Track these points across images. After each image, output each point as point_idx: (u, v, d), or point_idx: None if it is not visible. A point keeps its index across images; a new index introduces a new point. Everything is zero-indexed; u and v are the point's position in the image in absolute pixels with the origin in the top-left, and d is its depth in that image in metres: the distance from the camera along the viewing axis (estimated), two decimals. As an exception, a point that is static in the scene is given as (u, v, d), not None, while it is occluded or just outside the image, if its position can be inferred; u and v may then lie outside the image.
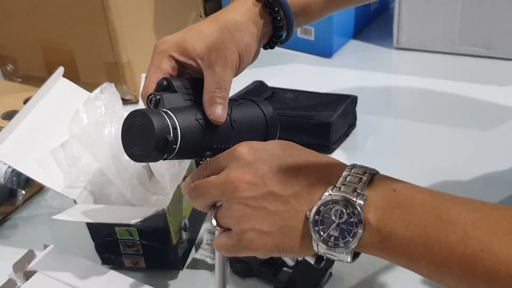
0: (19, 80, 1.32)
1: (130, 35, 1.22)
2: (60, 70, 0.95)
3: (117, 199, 0.88)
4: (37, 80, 1.26)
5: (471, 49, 1.28)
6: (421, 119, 1.14)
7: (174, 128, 0.61)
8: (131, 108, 1.21)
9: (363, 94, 1.20)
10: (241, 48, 0.70)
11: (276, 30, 0.75)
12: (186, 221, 0.84)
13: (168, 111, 0.63)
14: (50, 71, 0.95)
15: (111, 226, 0.80)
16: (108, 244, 0.82)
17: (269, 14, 0.73)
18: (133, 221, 0.74)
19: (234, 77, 0.69)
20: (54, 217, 0.76)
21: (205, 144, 0.66)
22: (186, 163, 0.86)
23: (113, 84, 0.90)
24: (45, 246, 0.84)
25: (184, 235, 0.84)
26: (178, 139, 0.62)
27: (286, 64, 1.31)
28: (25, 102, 1.11)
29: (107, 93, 0.87)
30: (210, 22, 0.72)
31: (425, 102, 1.21)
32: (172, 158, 0.64)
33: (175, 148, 0.62)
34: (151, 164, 0.89)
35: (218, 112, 0.65)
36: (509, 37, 1.24)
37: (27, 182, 0.99)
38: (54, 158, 0.86)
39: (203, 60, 0.68)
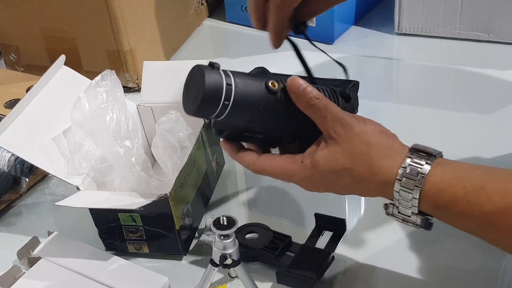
0: (22, 69, 1.33)
1: (132, 22, 1.22)
2: (62, 58, 0.95)
3: (120, 185, 0.88)
4: (39, 69, 1.26)
5: (473, 34, 1.28)
6: (423, 103, 1.14)
7: (229, 86, 0.61)
8: (133, 96, 1.22)
9: (365, 80, 1.19)
10: None
11: None
12: (189, 206, 0.85)
13: (229, 72, 0.63)
14: (53, 60, 0.95)
15: (114, 212, 0.81)
16: (112, 230, 0.83)
17: None
18: (136, 207, 0.75)
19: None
20: (58, 203, 0.76)
21: (260, 119, 0.65)
22: (188, 150, 0.86)
23: (114, 71, 0.90)
24: (49, 233, 0.85)
25: (187, 221, 0.84)
26: (230, 99, 0.61)
27: (288, 50, 1.30)
28: (28, 91, 1.11)
29: (108, 80, 0.88)
30: None
31: (427, 87, 1.21)
32: (222, 121, 0.64)
33: (222, 114, 0.62)
34: (154, 150, 0.90)
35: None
36: (510, 22, 1.24)
37: (30, 170, 0.99)
38: (57, 145, 0.86)
39: None
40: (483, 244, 0.73)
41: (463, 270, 0.79)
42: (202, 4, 1.50)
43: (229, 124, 0.65)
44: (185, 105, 0.64)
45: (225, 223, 0.69)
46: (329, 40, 1.35)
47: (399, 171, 0.61)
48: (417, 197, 0.60)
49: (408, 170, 0.61)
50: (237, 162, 0.70)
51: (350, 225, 0.87)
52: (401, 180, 0.61)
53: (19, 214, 0.96)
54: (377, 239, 0.85)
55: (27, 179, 0.99)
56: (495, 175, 0.59)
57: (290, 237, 0.83)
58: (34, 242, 0.83)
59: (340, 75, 1.19)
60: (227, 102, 0.62)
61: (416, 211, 0.61)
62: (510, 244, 0.58)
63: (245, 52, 1.34)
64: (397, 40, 1.35)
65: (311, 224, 0.85)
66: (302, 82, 0.64)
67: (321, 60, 1.30)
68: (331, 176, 0.64)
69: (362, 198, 0.92)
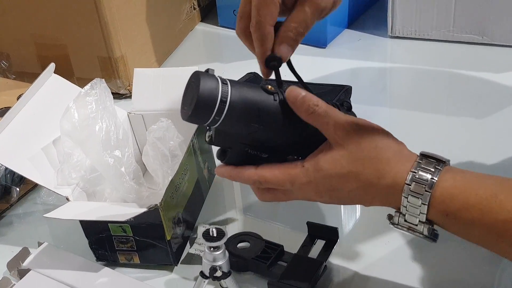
0: (13, 76, 1.32)
1: (123, 29, 1.21)
2: (51, 66, 0.94)
3: (110, 195, 0.87)
4: (31, 76, 1.25)
5: (466, 36, 1.27)
6: (417, 108, 1.14)
7: (225, 85, 0.61)
8: (124, 102, 1.22)
9: (359, 84, 1.19)
10: None
11: None
12: (180, 216, 0.84)
13: (226, 79, 0.62)
14: (44, 67, 0.94)
15: (104, 222, 0.80)
16: (102, 240, 0.82)
17: None
18: (125, 218, 0.74)
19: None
20: (46, 215, 0.76)
21: (260, 123, 0.64)
22: (179, 158, 0.86)
23: (103, 80, 0.89)
24: (39, 244, 0.84)
25: (178, 230, 0.84)
26: (225, 107, 0.61)
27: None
28: (19, 98, 1.10)
29: (98, 89, 0.87)
30: None
31: (421, 90, 1.20)
32: (218, 128, 0.63)
33: (219, 118, 0.61)
34: (144, 159, 0.89)
35: (284, 50, 0.66)
36: (503, 24, 1.23)
37: (21, 179, 0.98)
38: (46, 155, 0.85)
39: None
40: (477, 254, 0.73)
41: (457, 280, 0.78)
42: (194, 8, 1.50)
43: (230, 133, 0.64)
44: (183, 112, 0.63)
45: (215, 235, 0.68)
46: (322, 44, 1.35)
47: (408, 175, 0.59)
48: (427, 203, 0.58)
49: (417, 175, 0.59)
50: (238, 181, 0.68)
51: (343, 234, 0.86)
52: (410, 185, 0.59)
53: (10, 224, 0.95)
54: (371, 249, 0.84)
55: (18, 189, 0.98)
56: (507, 184, 0.58)
57: (282, 246, 0.82)
58: (24, 253, 0.83)
59: (333, 80, 1.19)
60: (224, 101, 0.61)
61: (424, 219, 0.60)
62: None
63: (238, 56, 1.33)
64: (390, 43, 1.34)
65: (303, 232, 0.84)
66: (301, 91, 0.63)
67: (314, 66, 1.30)
68: (336, 181, 0.62)
69: (356, 206, 0.91)
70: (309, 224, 0.84)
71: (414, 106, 1.14)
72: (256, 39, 0.66)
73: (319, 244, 0.83)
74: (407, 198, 0.60)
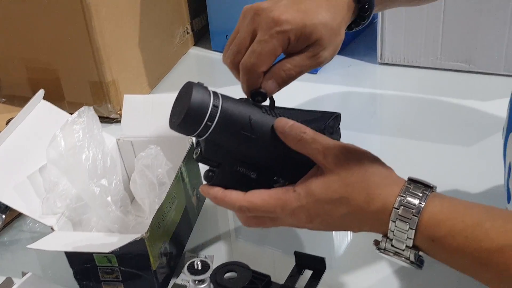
0: (3, 99, 1.32)
1: (114, 53, 1.22)
2: (41, 92, 0.94)
3: (97, 224, 0.87)
4: (21, 99, 1.25)
5: (453, 64, 1.28)
6: (405, 135, 1.14)
7: (215, 101, 0.61)
8: (115, 127, 1.22)
9: (348, 110, 1.20)
10: (337, 48, 0.70)
11: (359, 19, 0.75)
12: (167, 245, 0.84)
13: (218, 93, 0.63)
14: (35, 91, 0.94)
15: (89, 252, 0.80)
16: (87, 271, 0.82)
17: (357, 2, 0.72)
18: (110, 249, 0.73)
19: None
20: (29, 246, 0.75)
21: (243, 147, 0.64)
22: (167, 187, 0.85)
23: (91, 108, 0.89)
24: (23, 274, 0.83)
25: (165, 260, 0.83)
26: (217, 112, 0.61)
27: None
28: (8, 122, 1.10)
29: (85, 117, 0.87)
30: (321, 10, 0.69)
31: (409, 117, 1.20)
32: (209, 138, 0.63)
33: (208, 128, 0.62)
34: (132, 187, 0.89)
35: (271, 86, 0.67)
36: (490, 52, 1.24)
37: (7, 206, 0.97)
38: (32, 183, 0.85)
39: (309, 48, 0.67)
40: (465, 283, 0.72)
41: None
42: (187, 33, 1.50)
43: (220, 146, 0.64)
44: (172, 121, 0.64)
45: (200, 267, 0.68)
46: (313, 70, 1.35)
47: (397, 199, 0.59)
48: (414, 227, 0.58)
49: (406, 199, 0.59)
50: (222, 205, 0.66)
51: (330, 263, 0.86)
52: (398, 209, 0.59)
53: (-5, 253, 0.95)
54: (358, 278, 0.84)
55: (4, 216, 0.97)
56: (493, 213, 0.58)
57: (269, 276, 0.81)
58: (8, 284, 0.82)
59: (323, 106, 1.19)
60: (216, 106, 0.61)
61: (411, 244, 0.60)
62: (505, 285, 0.57)
63: (230, 81, 1.32)
64: (379, 70, 1.35)
65: (291, 262, 0.84)
66: (288, 121, 0.64)
67: (305, 91, 1.31)
68: (327, 206, 0.62)
69: (344, 235, 0.91)
70: (297, 254, 0.84)
71: (402, 132, 1.15)
72: (245, 79, 0.67)
73: (307, 273, 0.83)
74: (394, 222, 0.59)
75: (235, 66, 0.69)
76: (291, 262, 0.84)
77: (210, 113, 0.61)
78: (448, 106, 1.21)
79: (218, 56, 1.48)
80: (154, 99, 1.05)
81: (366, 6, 0.73)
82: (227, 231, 0.97)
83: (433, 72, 1.30)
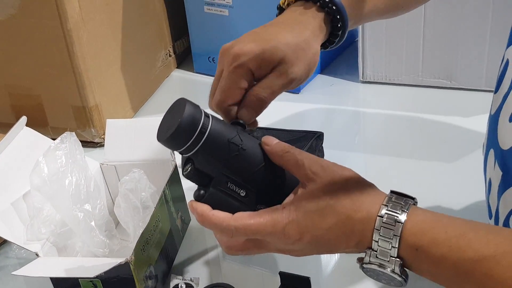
0: (-14, 126, 1.32)
1: (97, 78, 1.22)
2: (23, 119, 0.94)
3: (81, 249, 0.87)
4: (4, 126, 1.25)
5: (435, 81, 1.30)
6: (388, 152, 1.15)
7: (204, 126, 0.63)
8: (99, 151, 1.22)
9: (331, 129, 1.21)
10: (311, 66, 0.73)
11: (333, 37, 0.77)
12: (152, 269, 0.84)
13: (209, 114, 0.65)
14: (18, 117, 0.94)
15: (75, 278, 0.80)
16: (73, 296, 0.82)
17: (330, 21, 0.75)
18: (94, 274, 0.73)
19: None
20: (14, 272, 0.75)
21: (227, 166, 0.65)
22: (151, 210, 0.86)
23: (74, 133, 0.90)
24: (9, 301, 0.83)
25: (150, 283, 0.83)
26: (203, 137, 0.63)
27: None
28: (-9, 150, 1.10)
29: (68, 143, 0.87)
30: (283, 31, 0.72)
31: (391, 135, 1.21)
32: (190, 157, 0.65)
33: (196, 146, 0.63)
34: (116, 211, 0.89)
35: (245, 114, 0.70)
36: (471, 68, 1.26)
37: (-8, 233, 0.97)
38: (16, 209, 0.85)
39: (276, 68, 0.70)
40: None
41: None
42: (170, 55, 1.51)
43: (211, 159, 0.65)
44: (160, 133, 0.65)
45: (184, 290, 0.68)
46: (296, 89, 1.36)
47: (380, 208, 0.60)
48: (399, 234, 0.59)
49: (389, 207, 0.60)
50: (208, 223, 0.65)
51: (316, 283, 0.86)
52: (382, 217, 0.60)
53: (-19, 280, 0.95)
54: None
55: (-11, 243, 0.97)
56: (475, 224, 0.59)
57: (254, 297, 0.82)
58: (-6, 311, 0.82)
59: (306, 126, 1.20)
60: (207, 115, 0.64)
61: (395, 254, 0.60)
62: None
63: (213, 102, 1.35)
64: (362, 88, 1.36)
65: (277, 282, 0.84)
66: (274, 139, 0.66)
67: (288, 111, 1.32)
68: (316, 217, 0.62)
69: (329, 255, 0.92)
70: (282, 274, 0.84)
71: (385, 151, 1.16)
72: (221, 115, 0.70)
73: (292, 294, 0.83)
74: (379, 230, 0.60)
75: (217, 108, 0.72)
76: (277, 282, 0.84)
77: (201, 126, 0.63)
78: (429, 123, 1.22)
79: (201, 78, 1.49)
80: (136, 123, 1.05)
81: (339, 25, 0.76)
82: (212, 252, 0.97)
83: (415, 89, 1.32)
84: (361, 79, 1.35)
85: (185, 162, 0.66)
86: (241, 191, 0.66)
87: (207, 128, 0.63)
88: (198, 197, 0.66)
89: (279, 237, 0.63)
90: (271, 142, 0.66)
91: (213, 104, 0.71)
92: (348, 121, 1.30)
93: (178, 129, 0.62)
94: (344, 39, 0.79)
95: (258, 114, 0.71)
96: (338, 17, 0.75)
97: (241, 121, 0.69)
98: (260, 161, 0.66)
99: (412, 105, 1.29)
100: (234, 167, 0.65)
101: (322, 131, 1.13)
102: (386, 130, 1.24)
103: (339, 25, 0.76)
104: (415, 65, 1.29)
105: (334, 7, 0.74)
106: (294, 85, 0.73)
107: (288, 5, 0.77)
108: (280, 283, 0.84)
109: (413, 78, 1.31)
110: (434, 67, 1.29)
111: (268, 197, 0.67)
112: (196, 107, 0.64)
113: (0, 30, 1.18)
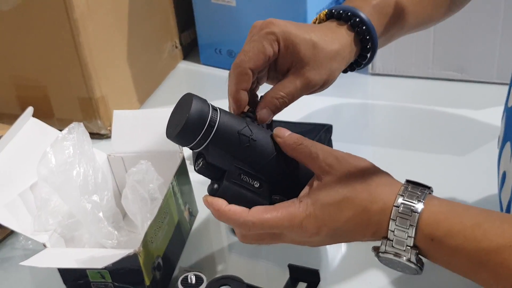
0: (-8, 117, 1.31)
1: (103, 69, 1.21)
2: (30, 110, 0.93)
3: (89, 240, 0.86)
4: (10, 117, 1.24)
5: (445, 73, 1.28)
6: (397, 145, 1.14)
7: (212, 120, 0.62)
8: (105, 143, 1.21)
9: (340, 122, 1.19)
10: (329, 78, 0.74)
11: (361, 58, 0.78)
12: (160, 260, 0.83)
13: (217, 107, 0.64)
14: (24, 108, 0.93)
15: (82, 269, 0.79)
16: (80, 287, 0.81)
17: (360, 41, 0.76)
18: (102, 265, 0.73)
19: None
20: (22, 263, 0.74)
21: (239, 158, 0.65)
22: (159, 202, 0.85)
23: (81, 124, 0.88)
24: (16, 292, 0.82)
25: (158, 275, 0.82)
26: (212, 131, 0.63)
27: (262, 94, 1.31)
28: (-3, 140, 1.09)
29: (75, 133, 0.86)
30: (317, 32, 0.73)
31: (401, 128, 1.20)
32: (201, 152, 0.64)
33: (206, 141, 0.63)
34: (124, 202, 0.88)
35: (265, 114, 0.70)
36: (482, 60, 1.25)
37: (-1, 224, 0.97)
38: (23, 201, 0.84)
39: (297, 64, 0.70)
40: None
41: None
42: (176, 47, 1.50)
43: (223, 152, 0.64)
44: (169, 130, 0.65)
45: (193, 282, 0.67)
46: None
47: (396, 198, 0.60)
48: (415, 224, 0.59)
49: (405, 197, 0.60)
50: (225, 218, 0.65)
51: (325, 275, 0.85)
52: (398, 207, 0.60)
53: (-13, 271, 0.94)
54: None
55: (-4, 234, 0.96)
56: (490, 214, 0.59)
57: (263, 289, 0.81)
58: (0, 302, 0.81)
59: (315, 118, 1.19)
60: (215, 108, 0.63)
61: (412, 244, 0.60)
62: (501, 285, 0.57)
63: (220, 94, 1.31)
64: (371, 81, 1.34)
65: (285, 274, 0.83)
66: (287, 130, 0.66)
67: (296, 103, 1.30)
68: (333, 210, 0.62)
69: (338, 246, 0.91)
70: (290, 267, 0.83)
71: (394, 143, 1.15)
72: (234, 80, 0.69)
73: (301, 286, 0.82)
74: (395, 221, 0.60)
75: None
76: (285, 275, 0.83)
77: (210, 120, 0.62)
78: (440, 116, 1.21)
79: (207, 70, 1.48)
80: (144, 114, 1.05)
81: (368, 46, 0.76)
82: (220, 245, 0.97)
83: (425, 82, 1.30)
84: (371, 71, 1.34)
85: (196, 157, 0.66)
86: (255, 182, 0.65)
87: (216, 121, 0.63)
88: (212, 191, 0.66)
89: (296, 231, 0.63)
90: (283, 134, 0.66)
91: (232, 66, 0.69)
92: (357, 114, 1.28)
93: (186, 125, 0.62)
94: (371, 62, 0.80)
95: (273, 116, 0.71)
96: (368, 37, 0.75)
97: (250, 114, 0.69)
98: (271, 152, 0.66)
99: (422, 97, 1.27)
100: (246, 158, 0.65)
101: (331, 124, 1.12)
102: (395, 123, 1.23)
103: (368, 46, 0.76)
104: (425, 57, 1.28)
105: (364, 27, 0.74)
106: (312, 91, 0.74)
107: (320, 23, 0.78)
108: (288, 276, 0.83)
109: (423, 71, 1.30)
110: (445, 59, 1.27)
111: (282, 187, 0.67)
112: (203, 101, 0.64)
113: (6, 20, 1.17)
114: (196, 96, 0.64)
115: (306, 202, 0.63)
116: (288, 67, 0.72)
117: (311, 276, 0.82)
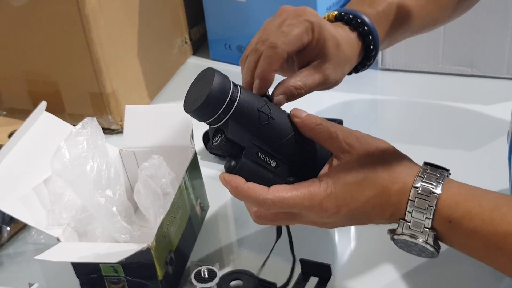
0: (4, 112, 1.32)
1: (114, 64, 1.22)
2: (43, 104, 0.94)
3: (102, 234, 0.87)
4: (22, 112, 1.25)
5: (455, 68, 1.28)
6: (407, 141, 1.14)
7: (233, 95, 0.62)
8: (116, 138, 1.21)
9: (350, 116, 1.20)
10: (339, 80, 0.75)
11: (366, 59, 0.80)
12: (172, 255, 0.84)
13: (237, 84, 0.64)
14: (35, 103, 0.94)
15: (96, 263, 0.80)
16: (93, 281, 0.82)
17: (362, 43, 0.77)
18: (116, 260, 0.73)
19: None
20: (37, 257, 0.75)
21: (258, 135, 0.65)
22: (171, 196, 0.85)
23: (95, 118, 0.89)
24: (30, 285, 0.82)
25: (171, 269, 0.83)
26: (233, 106, 0.62)
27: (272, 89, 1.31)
28: (10, 135, 1.10)
29: (89, 128, 0.87)
30: (340, 32, 0.74)
31: (411, 123, 1.20)
32: (219, 128, 0.64)
33: (226, 116, 0.62)
34: (136, 197, 0.88)
35: (281, 99, 0.69)
36: (492, 55, 1.25)
37: (12, 218, 0.97)
38: (37, 195, 0.85)
39: (320, 59, 0.71)
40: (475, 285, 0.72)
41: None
42: (186, 42, 1.50)
43: (242, 128, 0.64)
44: (188, 104, 0.64)
45: (206, 276, 0.68)
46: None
47: (416, 179, 0.60)
48: (434, 205, 0.59)
49: (424, 179, 0.60)
50: (243, 196, 0.64)
51: (337, 269, 0.86)
52: (417, 188, 0.60)
53: (0, 265, 0.94)
54: (365, 283, 0.84)
55: (8, 228, 0.97)
56: (510, 198, 0.59)
57: (275, 284, 0.81)
58: (15, 296, 0.82)
59: (324, 113, 1.19)
60: (236, 85, 0.63)
61: (429, 225, 0.60)
62: None
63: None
64: (381, 76, 1.34)
65: (297, 269, 0.84)
66: (304, 111, 0.66)
67: (307, 98, 1.30)
68: (354, 189, 0.62)
69: (348, 241, 0.91)
70: (302, 261, 0.83)
71: (404, 138, 1.15)
72: (256, 84, 0.69)
73: (313, 281, 0.82)
74: (413, 202, 0.60)
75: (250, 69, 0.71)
76: (297, 270, 0.84)
77: (231, 95, 0.62)
78: (450, 111, 1.21)
79: (217, 65, 1.48)
80: (155, 109, 1.05)
81: (371, 47, 0.77)
82: (231, 239, 0.97)
83: (435, 77, 1.30)
84: (380, 67, 1.34)
85: (214, 133, 0.65)
86: (272, 161, 0.65)
87: (237, 97, 0.63)
88: (229, 169, 0.65)
89: (316, 211, 0.63)
90: (300, 114, 0.65)
91: (266, 44, 0.69)
92: (367, 109, 1.29)
93: (208, 98, 0.61)
94: (373, 62, 0.82)
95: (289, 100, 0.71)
96: (371, 47, 0.77)
97: (269, 95, 0.69)
98: (289, 131, 0.66)
99: (432, 93, 1.27)
100: (264, 136, 0.65)
101: (341, 119, 1.12)
102: (405, 118, 1.23)
103: (371, 47, 0.77)
104: (435, 52, 1.28)
105: (370, 37, 0.76)
106: (324, 87, 0.74)
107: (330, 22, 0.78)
108: (300, 270, 0.84)
109: (433, 66, 1.29)
110: (455, 54, 1.27)
111: (299, 169, 0.67)
112: (225, 76, 0.64)
113: (17, 16, 1.18)
114: (218, 71, 0.64)
115: (326, 182, 0.62)
116: (310, 60, 0.72)
117: (323, 271, 0.82)
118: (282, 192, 0.63)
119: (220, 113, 0.62)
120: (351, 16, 0.77)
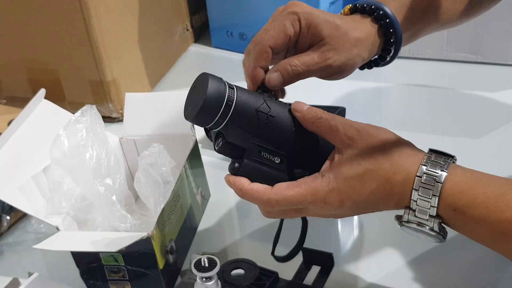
0: (4, 101, 1.31)
1: (114, 52, 1.20)
2: (42, 92, 0.93)
3: (102, 223, 0.86)
4: (22, 100, 1.23)
5: (460, 55, 1.27)
6: (411, 128, 1.13)
7: (230, 99, 0.62)
8: (117, 126, 1.20)
9: (354, 104, 1.19)
10: (349, 62, 0.74)
11: (385, 52, 0.78)
12: (173, 244, 0.83)
13: (233, 85, 0.64)
14: (35, 91, 0.93)
15: (96, 252, 0.79)
16: (93, 270, 0.81)
17: (383, 35, 0.76)
18: (116, 249, 0.72)
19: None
20: (36, 246, 0.74)
21: (258, 135, 0.65)
22: (171, 185, 0.84)
23: (94, 106, 0.88)
24: (30, 274, 0.82)
25: (171, 259, 0.82)
26: (230, 110, 0.62)
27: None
28: (9, 123, 1.09)
29: (88, 116, 0.86)
30: (341, 19, 0.73)
31: (415, 110, 1.19)
32: (220, 131, 0.64)
33: (224, 120, 0.62)
34: (136, 185, 0.88)
35: (274, 78, 0.69)
36: (497, 42, 1.23)
37: (11, 207, 0.96)
38: (36, 183, 0.84)
39: (317, 43, 0.71)
40: (477, 274, 0.72)
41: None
42: (187, 30, 1.49)
43: (242, 130, 0.64)
44: (187, 111, 0.65)
45: (207, 265, 0.67)
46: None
47: (419, 168, 0.60)
48: (438, 194, 0.59)
49: (428, 167, 0.59)
50: (248, 197, 0.65)
51: (339, 258, 0.85)
52: (421, 177, 0.59)
53: (0, 254, 0.94)
54: (367, 273, 0.83)
55: (8, 217, 0.96)
56: None
57: (276, 273, 0.80)
58: (14, 284, 0.81)
59: (328, 101, 1.18)
60: (231, 87, 0.63)
61: (434, 213, 0.60)
62: None
63: (231, 77, 1.29)
64: (384, 63, 1.33)
65: (298, 258, 0.83)
66: (305, 104, 0.66)
67: (310, 86, 1.29)
68: (356, 183, 0.62)
69: (350, 229, 0.90)
70: (304, 250, 0.83)
71: (409, 126, 1.14)
72: (253, 56, 0.69)
73: (315, 269, 0.82)
74: (417, 191, 0.60)
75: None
76: (299, 258, 0.83)
77: (227, 99, 0.62)
78: (455, 98, 1.20)
79: (219, 52, 1.47)
80: (156, 96, 1.04)
81: (392, 40, 0.76)
82: (232, 228, 0.96)
83: (439, 64, 1.29)
84: (384, 54, 1.33)
85: (215, 137, 0.66)
86: (275, 158, 0.65)
87: (233, 100, 0.63)
88: (233, 170, 0.66)
89: (320, 206, 0.63)
90: (301, 108, 0.65)
91: (252, 43, 0.70)
92: (370, 96, 1.27)
93: (204, 105, 0.61)
94: (396, 56, 0.80)
95: (285, 85, 0.70)
96: (391, 30, 0.75)
97: (267, 85, 0.69)
98: (290, 127, 0.65)
99: (437, 80, 1.26)
100: (265, 135, 0.65)
101: (344, 106, 1.11)
102: (409, 105, 1.22)
103: (391, 40, 0.76)
104: (440, 39, 1.26)
105: (388, 20, 0.74)
106: (326, 74, 0.73)
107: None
108: (302, 259, 0.83)
109: (438, 53, 1.28)
110: (460, 41, 1.26)
111: (302, 162, 0.66)
112: (219, 80, 0.63)
113: (16, 3, 1.17)
114: (212, 75, 0.63)
115: (328, 177, 0.63)
116: (308, 47, 0.72)
117: (325, 260, 0.81)
118: (285, 191, 0.63)
119: (218, 118, 0.63)
120: (365, 5, 0.76)
